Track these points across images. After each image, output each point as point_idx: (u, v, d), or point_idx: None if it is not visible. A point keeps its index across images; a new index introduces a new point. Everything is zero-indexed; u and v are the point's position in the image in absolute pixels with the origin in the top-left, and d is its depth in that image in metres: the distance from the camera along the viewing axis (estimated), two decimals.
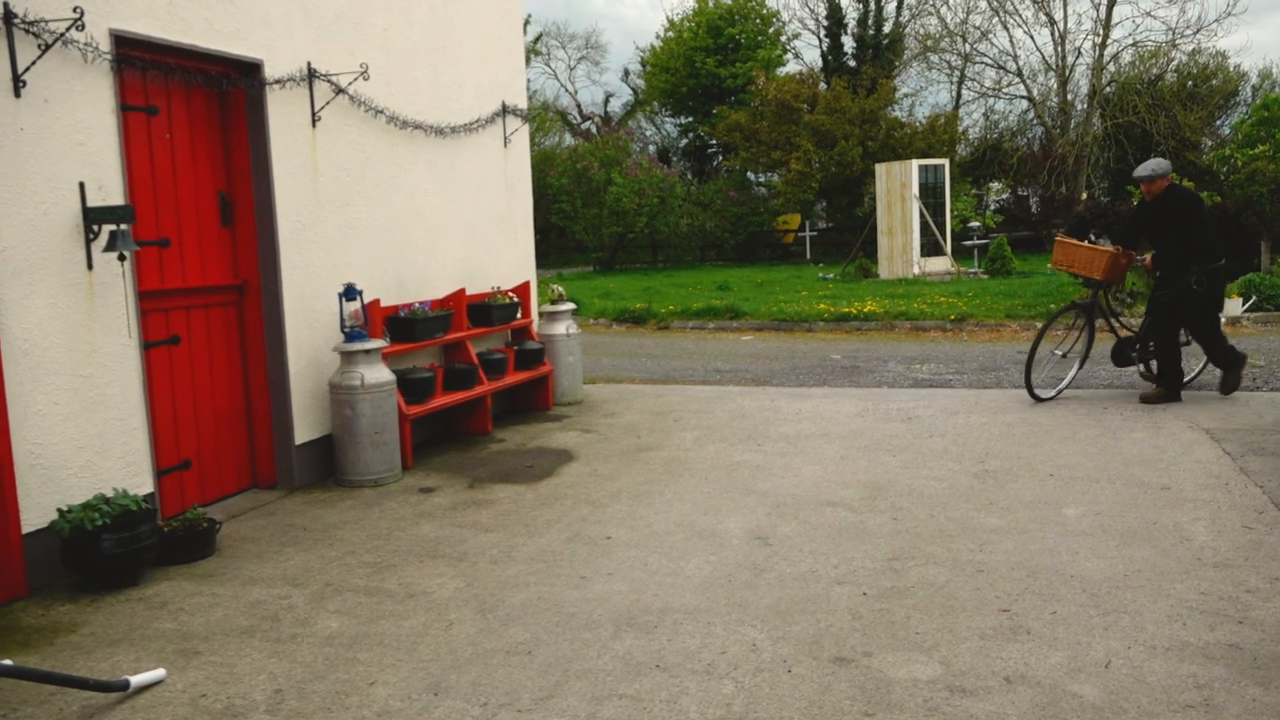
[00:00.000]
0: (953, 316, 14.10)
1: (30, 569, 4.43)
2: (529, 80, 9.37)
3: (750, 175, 33.44)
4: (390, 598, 4.30)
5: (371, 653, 3.74)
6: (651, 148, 36.72)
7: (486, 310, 7.88)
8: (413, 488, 6.10)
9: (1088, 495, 5.44)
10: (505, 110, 8.62)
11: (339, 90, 6.43)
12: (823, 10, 34.88)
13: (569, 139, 38.27)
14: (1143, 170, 7.90)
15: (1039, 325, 13.43)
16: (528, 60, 8.77)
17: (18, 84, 4.41)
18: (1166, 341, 7.95)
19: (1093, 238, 8.67)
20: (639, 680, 3.44)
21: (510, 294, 8.31)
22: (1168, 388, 7.95)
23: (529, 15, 11.01)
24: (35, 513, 4.47)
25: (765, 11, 35.33)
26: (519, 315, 8.38)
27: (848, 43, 34.75)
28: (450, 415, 7.60)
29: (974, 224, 23.85)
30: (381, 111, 6.89)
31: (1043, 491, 5.54)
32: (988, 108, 36.32)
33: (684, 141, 38.27)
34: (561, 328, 8.80)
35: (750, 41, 34.54)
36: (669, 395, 8.91)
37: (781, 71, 33.53)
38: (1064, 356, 8.33)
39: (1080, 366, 8.42)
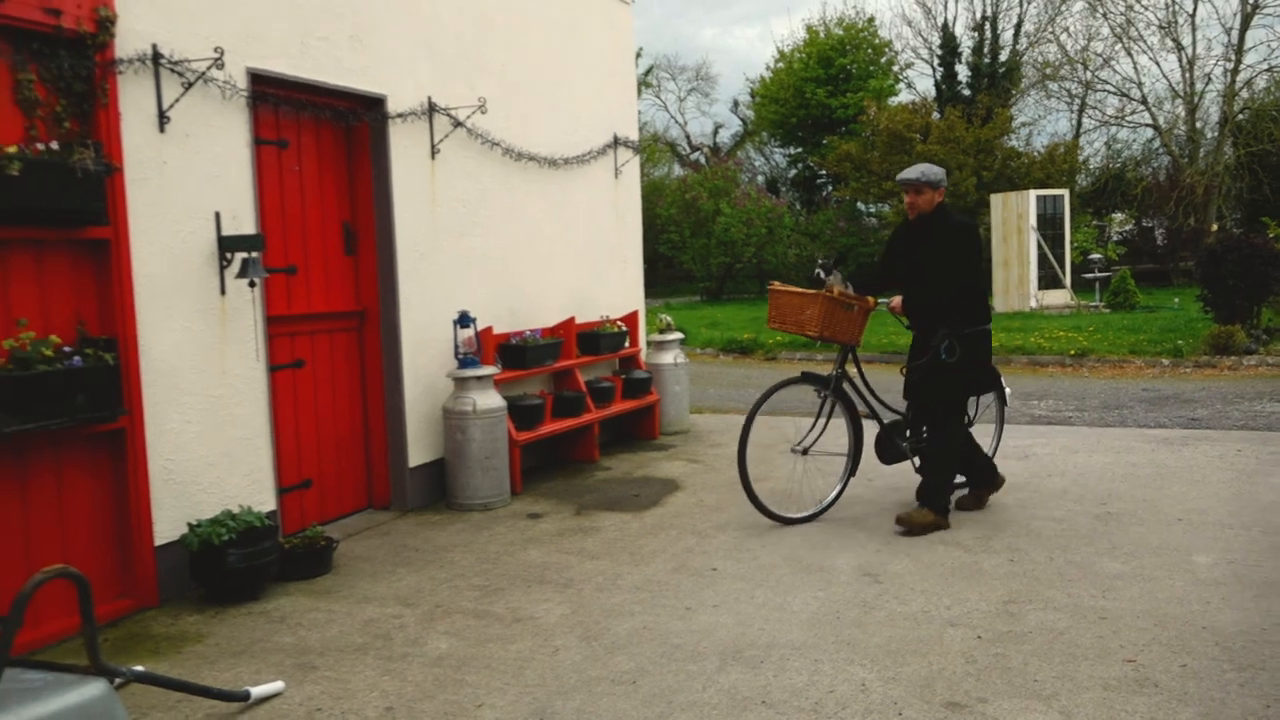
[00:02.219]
0: (1072, 351, 13.62)
1: (161, 580, 4.64)
2: (640, 112, 9.50)
3: (860, 206, 33.05)
4: (498, 621, 4.35)
5: (479, 675, 3.79)
6: (760, 178, 36.66)
7: (595, 339, 7.96)
8: (521, 513, 6.18)
9: (1220, 542, 5.16)
10: (617, 142, 8.74)
11: (457, 123, 6.62)
12: (937, 39, 34.40)
13: (678, 169, 38.54)
14: (908, 172, 5.62)
15: (1164, 363, 12.87)
16: (639, 92, 8.89)
17: (162, 120, 4.68)
18: (950, 425, 5.65)
19: (820, 275, 5.81)
20: (744, 715, 3.40)
21: (619, 323, 8.38)
22: (936, 501, 5.56)
23: (640, 48, 11.22)
24: (166, 526, 4.68)
25: (877, 42, 35.03)
26: (627, 344, 8.44)
27: (962, 71, 34.14)
28: (558, 442, 7.69)
29: (1095, 256, 23.02)
30: (497, 144, 7.06)
31: (1170, 537, 5.29)
32: (1110, 136, 35.08)
33: (793, 172, 38.10)
34: (669, 357, 8.83)
35: (861, 72, 34.26)
36: (777, 426, 8.83)
37: (893, 101, 33.13)
38: (805, 453, 5.80)
39: (850, 472, 5.96)
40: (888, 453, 5.91)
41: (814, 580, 4.76)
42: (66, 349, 4.13)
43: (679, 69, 46.06)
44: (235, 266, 4.97)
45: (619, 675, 3.75)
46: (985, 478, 5.99)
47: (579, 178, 8.17)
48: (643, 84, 39.72)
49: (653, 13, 48.74)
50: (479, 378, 6.30)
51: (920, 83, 41.58)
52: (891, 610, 4.34)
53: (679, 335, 9.06)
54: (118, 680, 3.04)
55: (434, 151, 6.47)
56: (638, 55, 9.47)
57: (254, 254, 4.91)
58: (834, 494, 5.95)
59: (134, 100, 4.54)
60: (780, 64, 36.63)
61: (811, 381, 5.88)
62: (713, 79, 50.22)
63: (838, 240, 29.94)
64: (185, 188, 4.80)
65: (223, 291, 4.99)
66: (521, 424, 6.81)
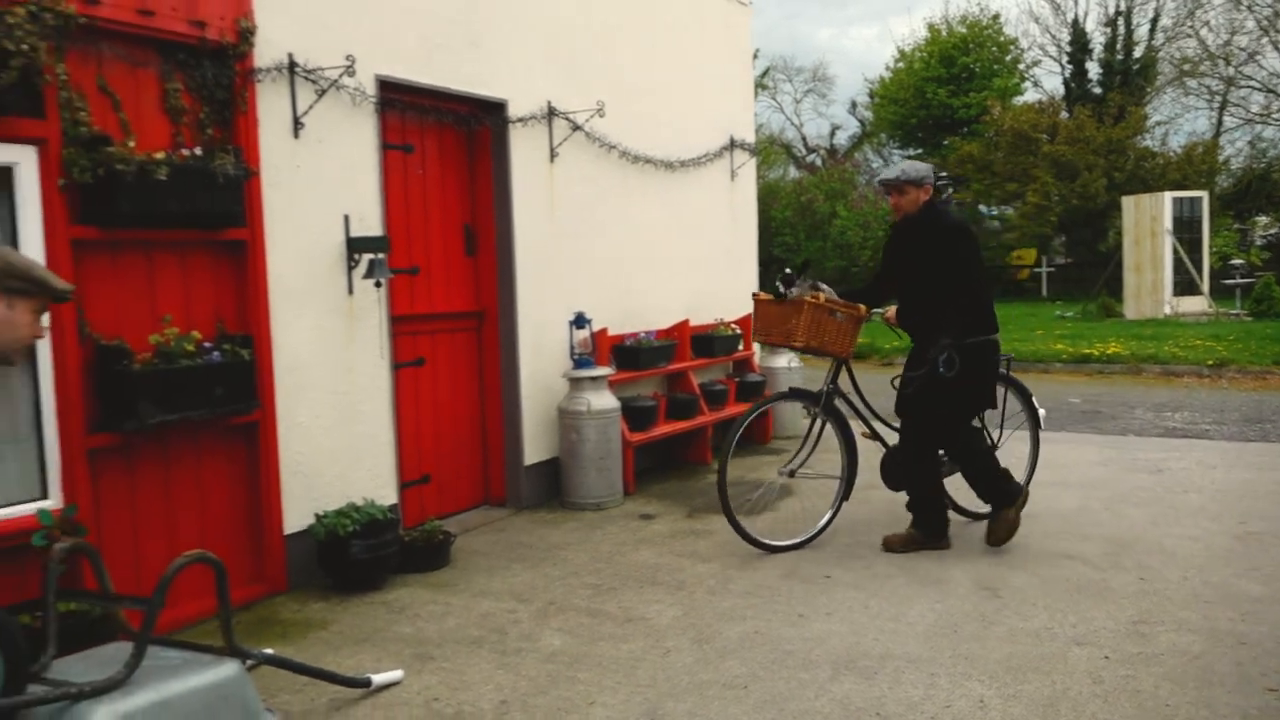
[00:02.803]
0: (1210, 361, 12.95)
1: (289, 567, 4.83)
2: (755, 114, 9.45)
3: (982, 208, 32.15)
4: (610, 620, 4.38)
5: (591, 673, 3.82)
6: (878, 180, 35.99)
7: (709, 341, 7.95)
8: (633, 513, 6.22)
9: None
10: (733, 144, 8.71)
11: (576, 127, 6.71)
12: (1066, 36, 33.21)
13: (793, 172, 38.16)
14: (887, 172, 5.26)
15: None
16: (755, 94, 8.83)
17: (297, 126, 4.87)
18: (967, 443, 5.24)
19: (780, 288, 5.29)
20: None
21: (733, 325, 8.35)
22: (1004, 499, 5.23)
23: (757, 50, 11.10)
24: (295, 516, 4.87)
25: (1002, 39, 34.02)
26: (741, 347, 8.40)
27: (1093, 69, 32.87)
28: (671, 444, 7.70)
29: (1236, 261, 21.85)
30: (615, 147, 7.12)
31: None
32: (1254, 135, 33.26)
33: None
34: (783, 360, 8.75)
35: (985, 70, 33.32)
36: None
37: (1018, 101, 32.12)
38: (792, 475, 5.47)
39: (843, 496, 5.51)
40: (894, 477, 5.42)
41: (930, 592, 4.65)
42: (206, 344, 4.34)
43: (795, 70, 45.51)
44: (362, 267, 5.14)
45: (730, 679, 3.73)
46: (930, 522, 5.29)
47: (695, 180, 8.18)
48: (759, 86, 39.47)
49: (769, 14, 48.37)
50: (594, 378, 6.37)
51: (1047, 81, 40.26)
52: (1012, 626, 4.20)
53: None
54: (249, 662, 3.17)
55: (553, 155, 6.56)
56: (754, 57, 9.43)
57: (380, 255, 5.07)
58: (825, 520, 5.46)
59: (270, 107, 4.74)
60: (900, 64, 35.94)
61: (800, 398, 5.57)
62: (829, 80, 49.55)
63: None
64: (316, 191, 4.99)
65: (350, 291, 5.16)
66: (635, 425, 6.85)
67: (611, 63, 7.11)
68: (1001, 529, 5.22)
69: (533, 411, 6.44)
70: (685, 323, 7.73)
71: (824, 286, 5.29)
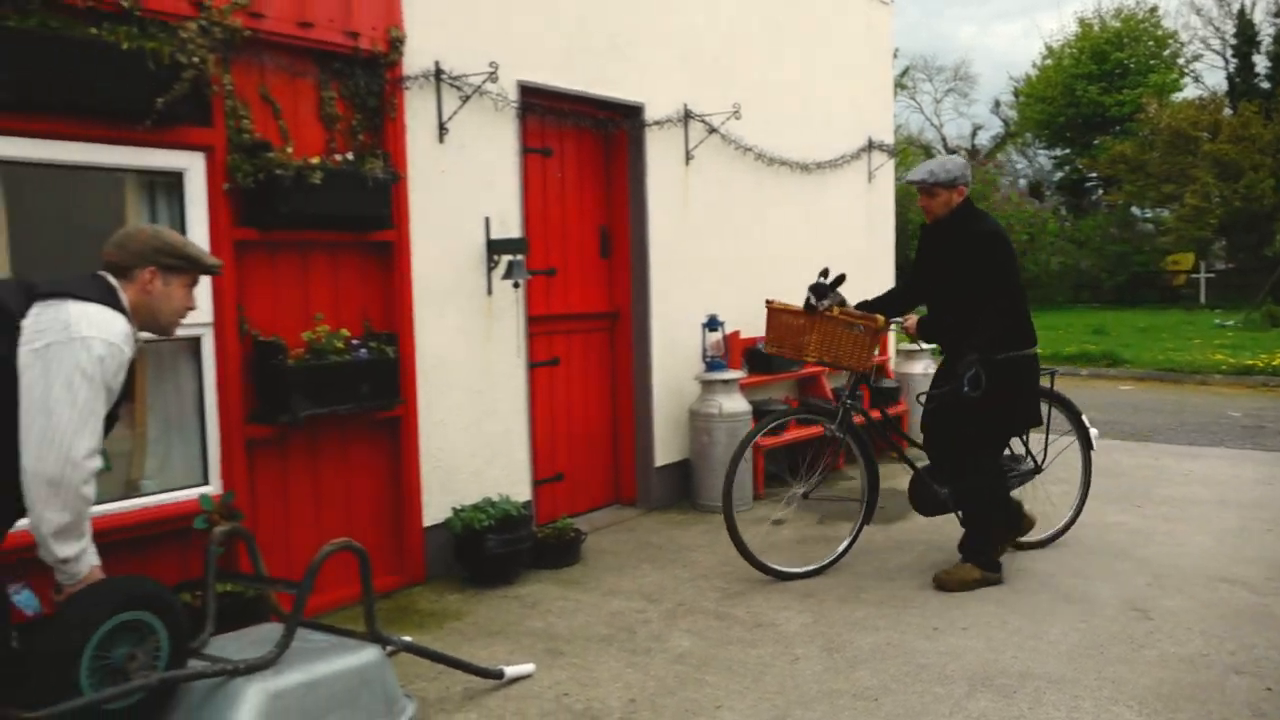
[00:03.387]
0: None
1: (427, 559, 4.99)
2: (894, 114, 9.26)
3: (1135, 210, 30.64)
4: (739, 624, 4.36)
5: (719, 676, 3.81)
6: (1022, 181, 34.78)
7: None
8: (763, 518, 6.17)
9: None
10: (871, 145, 8.55)
11: (711, 129, 6.71)
12: (1231, 28, 31.35)
13: None
14: (916, 171, 4.92)
15: None
16: (894, 94, 8.63)
17: (442, 131, 5.03)
18: (981, 470, 4.81)
19: (811, 300, 4.97)
20: None
21: None
22: (978, 556, 4.79)
23: (897, 49, 10.86)
24: (433, 509, 5.02)
25: (1160, 33, 32.37)
26: (876, 352, 8.22)
27: (1260, 62, 30.91)
28: (801, 449, 7.60)
29: None
30: (750, 149, 7.09)
31: None
32: None
33: (1059, 175, 35.88)
34: (919, 367, 8.54)
35: (1141, 66, 31.76)
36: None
37: (1176, 97, 30.49)
38: (805, 497, 5.20)
39: (865, 520, 5.17)
40: (925, 502, 5.03)
41: (1073, 610, 4.45)
42: (354, 342, 4.52)
43: (936, 69, 44.40)
44: (501, 268, 5.27)
45: (861, 690, 3.66)
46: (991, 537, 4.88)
47: (830, 182, 8.06)
48: (898, 86, 38.67)
49: (909, 12, 47.37)
50: (725, 381, 6.35)
51: (1209, 76, 38.10)
52: (1164, 650, 3.99)
53: (930, 344, 8.73)
54: (389, 648, 3.29)
55: (688, 157, 6.58)
56: (894, 56, 9.23)
57: (519, 256, 5.19)
58: (845, 545, 5.16)
59: (417, 113, 4.91)
60: (1049, 60, 34.62)
61: (815, 414, 5.22)
62: (972, 79, 48.05)
63: (1107, 247, 27.91)
64: (459, 194, 5.13)
65: (489, 292, 5.29)
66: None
67: (748, 64, 7.08)
68: (955, 578, 4.73)
69: (664, 413, 6.47)
70: None
71: (841, 297, 5.01)
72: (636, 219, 6.31)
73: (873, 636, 4.18)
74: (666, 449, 6.51)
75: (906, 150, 37.80)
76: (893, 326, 5.06)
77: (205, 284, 4.00)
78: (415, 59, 4.86)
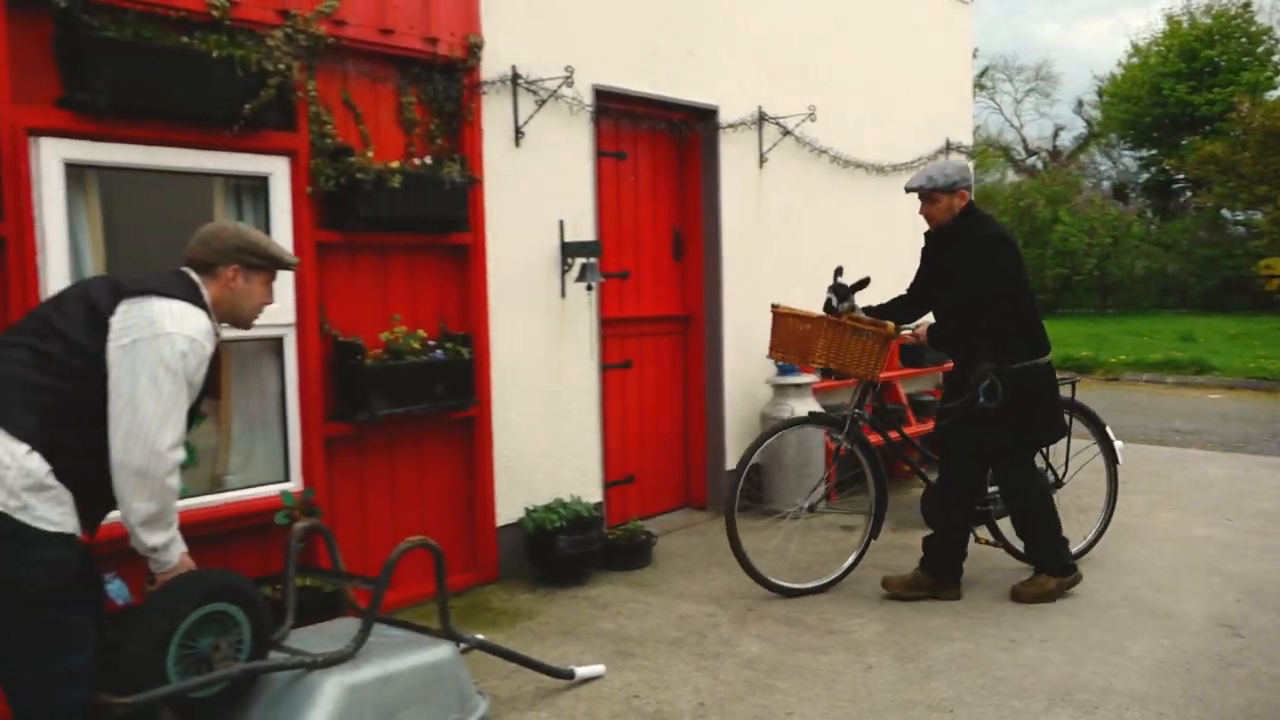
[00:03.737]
0: None
1: (500, 558, 5.04)
2: (973, 115, 9.10)
3: (1226, 213, 29.60)
4: (809, 630, 4.32)
5: (789, 682, 3.78)
6: (1105, 183, 33.86)
7: (918, 351, 7.69)
8: (834, 523, 6.11)
9: None
10: (949, 147, 8.41)
11: (786, 132, 6.66)
12: None
13: (1011, 175, 36.45)
14: (916, 179, 4.72)
15: None
16: (973, 95, 8.48)
17: (518, 135, 5.08)
18: (1016, 484, 4.65)
19: (832, 301, 4.85)
20: None
21: None
22: (1049, 564, 4.68)
23: (976, 49, 10.62)
24: (506, 509, 5.07)
25: (1254, 30, 31.23)
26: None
27: None
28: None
29: None
30: (824, 151, 7.03)
31: None
32: None
33: (1144, 176, 34.85)
34: None
35: (1233, 64, 30.67)
36: None
37: (1271, 95, 29.38)
38: (811, 510, 5.09)
39: (872, 534, 4.99)
40: (936, 517, 4.82)
41: (1158, 626, 4.32)
42: (430, 343, 4.59)
43: (1016, 69, 43.32)
44: (575, 271, 5.30)
45: (935, 702, 3.60)
46: (946, 570, 4.75)
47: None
48: (977, 86, 37.97)
49: (989, 11, 46.41)
50: (798, 385, 6.30)
51: None
52: (1255, 669, 3.85)
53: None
54: (462, 645, 3.33)
55: (761, 160, 6.55)
56: (973, 56, 9.07)
57: (592, 259, 5.22)
58: (851, 559, 4.97)
59: (493, 117, 4.96)
60: (1135, 59, 33.67)
61: (821, 423, 5.00)
62: (1054, 78, 46.83)
63: (1195, 251, 27.02)
64: (533, 197, 5.18)
65: (563, 294, 5.33)
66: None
67: (823, 65, 7.02)
68: (1031, 591, 4.62)
69: (735, 416, 6.44)
70: None
71: (854, 303, 4.81)
72: (709, 221, 6.30)
73: (948, 647, 4.11)
74: (738, 452, 6.45)
75: (985, 152, 37.11)
76: (902, 333, 4.86)
77: (288, 285, 4.10)
78: (492, 64, 4.92)
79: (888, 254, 7.74)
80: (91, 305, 2.64)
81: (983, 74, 39.06)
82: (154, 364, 2.59)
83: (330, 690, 2.89)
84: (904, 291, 5.03)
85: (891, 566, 5.19)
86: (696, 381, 6.43)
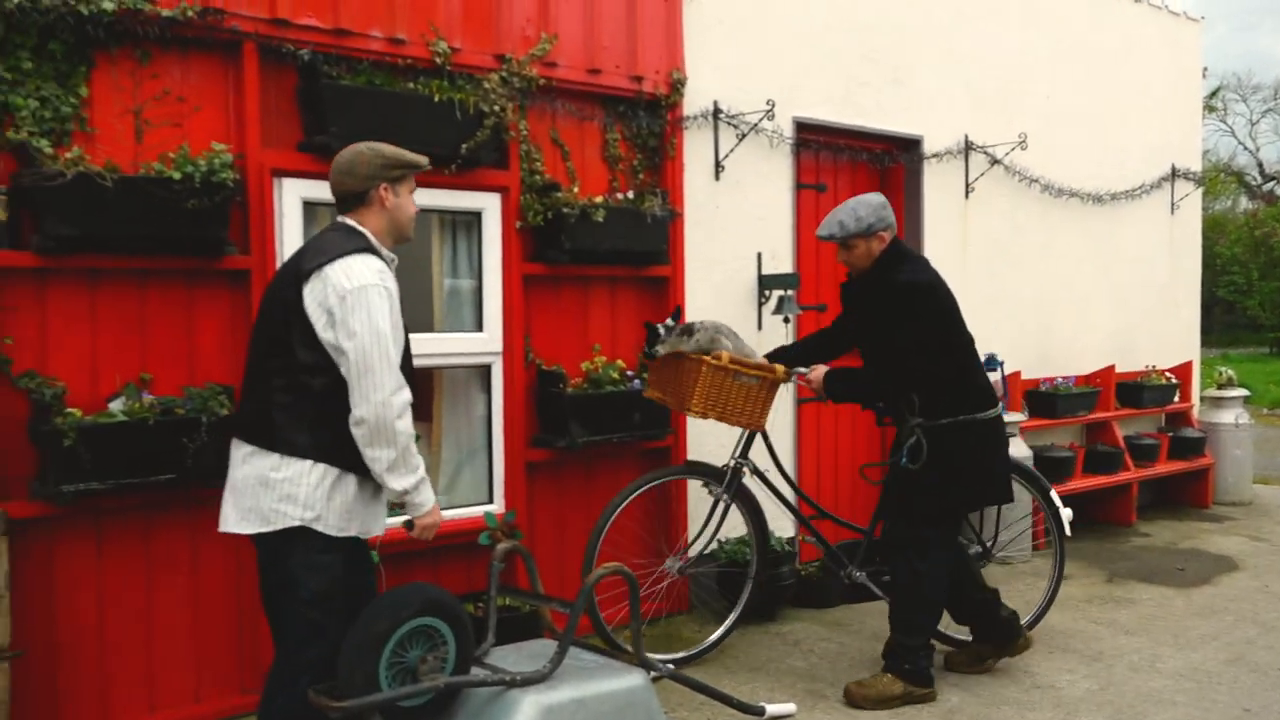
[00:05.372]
0: None
1: (692, 589, 5.05)
2: (1202, 139, 8.48)
3: None
4: (1014, 683, 4.10)
5: None
6: None
7: (1137, 390, 7.22)
8: (1043, 571, 5.77)
9: None
10: (1174, 174, 7.87)
11: (994, 161, 6.43)
12: None
13: (1245, 202, 33.72)
14: (824, 227, 4.07)
15: None
16: (1202, 117, 7.88)
17: (718, 169, 5.13)
18: (915, 549, 4.00)
19: (664, 339, 4.21)
20: None
21: (1167, 374, 7.52)
22: (897, 659, 3.99)
23: (1205, 68, 9.79)
24: (698, 540, 5.07)
25: None
26: (1176, 398, 7.54)
27: None
28: (1087, 500, 7.07)
29: None
30: (1036, 180, 6.73)
31: None
32: None
33: None
34: (1229, 416, 7.74)
35: None
36: None
37: None
38: (680, 571, 4.53)
39: (747, 596, 4.52)
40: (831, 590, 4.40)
41: None
42: (629, 373, 4.68)
43: (1251, 89, 40.20)
44: (772, 303, 5.28)
45: None
46: (995, 628, 4.23)
47: (1126, 213, 7.49)
48: (1207, 108, 35.37)
49: (1217, 29, 43.24)
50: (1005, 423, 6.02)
51: None
52: None
53: (1242, 392, 7.90)
54: (654, 673, 3.35)
55: (968, 190, 6.34)
56: (1202, 76, 8.48)
57: (790, 291, 5.19)
58: (723, 629, 4.46)
59: (694, 151, 5.04)
60: None
61: (698, 474, 4.52)
62: None
63: None
64: (732, 230, 5.21)
65: (759, 327, 5.32)
66: (1048, 476, 6.36)
67: (1035, 91, 6.74)
68: (869, 693, 3.95)
69: None
70: (1110, 369, 7.08)
71: (728, 339, 4.16)
72: None
73: (1170, 712, 3.80)
74: None
75: (1215, 179, 34.50)
76: (793, 377, 4.25)
77: (495, 315, 4.29)
78: (694, 99, 5.00)
79: (1105, 287, 7.34)
80: (285, 303, 2.83)
81: (1213, 94, 36.38)
82: (356, 321, 2.75)
83: (528, 709, 2.96)
84: (831, 327, 4.53)
85: (1106, 620, 4.86)
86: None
